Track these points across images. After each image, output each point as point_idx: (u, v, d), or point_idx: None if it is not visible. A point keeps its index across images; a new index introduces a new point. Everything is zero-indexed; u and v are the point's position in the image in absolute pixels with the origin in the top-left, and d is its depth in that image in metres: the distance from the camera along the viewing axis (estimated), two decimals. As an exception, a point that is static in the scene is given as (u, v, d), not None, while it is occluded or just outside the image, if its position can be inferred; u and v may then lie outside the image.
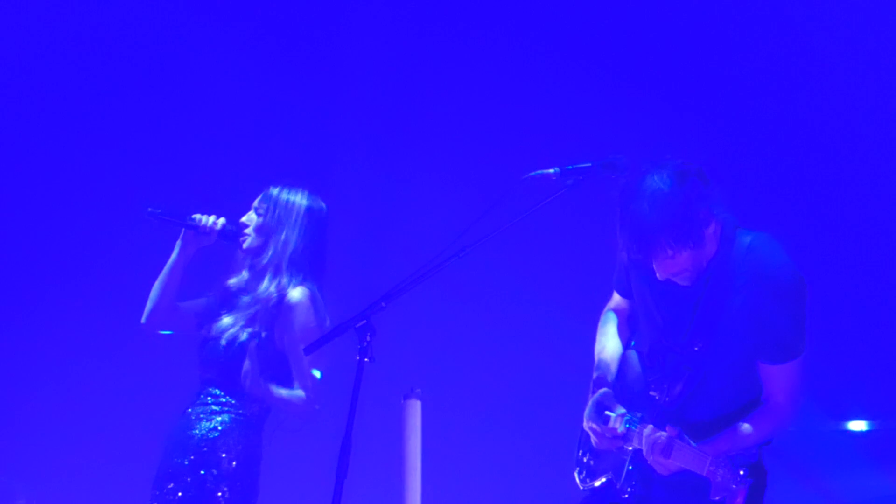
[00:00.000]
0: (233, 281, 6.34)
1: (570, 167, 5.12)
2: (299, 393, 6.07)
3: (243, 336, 6.11)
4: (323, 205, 6.33)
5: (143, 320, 6.35)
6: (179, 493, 6.01)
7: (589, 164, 5.11)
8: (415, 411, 7.16)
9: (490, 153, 8.72)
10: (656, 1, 8.75)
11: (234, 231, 6.22)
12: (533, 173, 5.13)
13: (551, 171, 5.12)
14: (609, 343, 5.39)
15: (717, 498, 4.76)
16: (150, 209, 6.18)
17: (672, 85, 8.58)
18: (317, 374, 6.08)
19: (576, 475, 5.36)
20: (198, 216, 6.20)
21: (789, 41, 8.41)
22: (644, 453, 4.95)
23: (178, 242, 6.24)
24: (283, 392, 6.04)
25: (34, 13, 8.86)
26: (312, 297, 6.14)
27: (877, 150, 8.26)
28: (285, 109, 8.95)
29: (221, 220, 6.21)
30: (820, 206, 8.39)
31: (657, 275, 4.90)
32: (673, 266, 4.85)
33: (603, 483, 5.22)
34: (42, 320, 8.85)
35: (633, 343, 5.38)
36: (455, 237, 5.09)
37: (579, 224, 8.08)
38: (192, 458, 6.04)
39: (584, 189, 5.09)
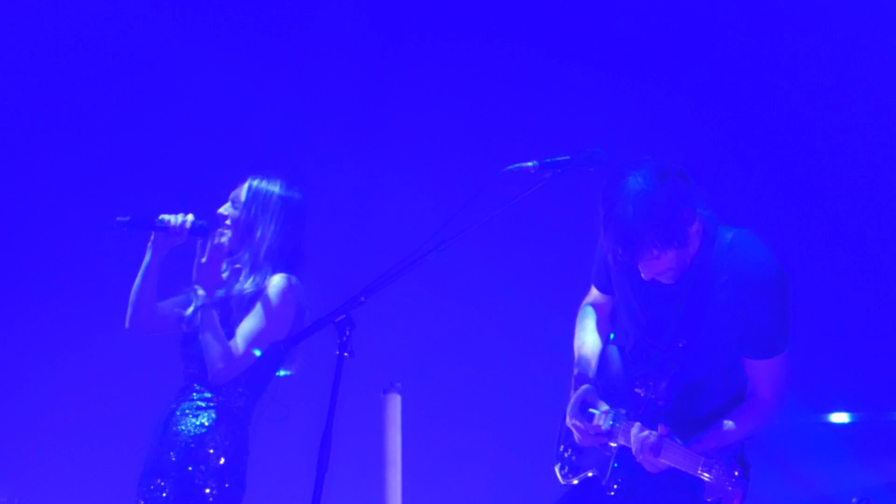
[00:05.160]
0: None
1: (549, 160, 5.11)
2: (222, 349, 5.97)
3: None
4: (299, 195, 6.25)
5: (126, 325, 6.26)
6: (166, 491, 5.93)
7: (567, 158, 5.11)
8: (395, 405, 7.16)
9: (468, 147, 8.72)
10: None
11: (204, 226, 6.08)
12: (511, 167, 5.11)
13: (530, 164, 5.11)
14: (588, 338, 5.38)
15: (709, 499, 4.74)
16: (118, 218, 6.04)
17: (650, 78, 8.58)
18: (257, 353, 6.01)
19: (556, 470, 5.36)
20: (165, 217, 6.04)
21: (766, 33, 8.42)
22: (633, 451, 4.94)
23: (150, 246, 6.12)
24: (216, 338, 5.97)
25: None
26: (290, 282, 6.06)
27: (854, 142, 8.28)
28: (263, 104, 8.91)
29: (190, 217, 6.05)
30: (800, 200, 8.40)
31: (642, 275, 4.89)
32: (658, 266, 4.85)
33: (587, 479, 5.21)
34: (26, 315, 8.81)
35: (612, 337, 5.37)
36: (434, 231, 5.07)
37: (558, 218, 8.09)
38: (180, 454, 5.96)
39: (562, 182, 5.08)
